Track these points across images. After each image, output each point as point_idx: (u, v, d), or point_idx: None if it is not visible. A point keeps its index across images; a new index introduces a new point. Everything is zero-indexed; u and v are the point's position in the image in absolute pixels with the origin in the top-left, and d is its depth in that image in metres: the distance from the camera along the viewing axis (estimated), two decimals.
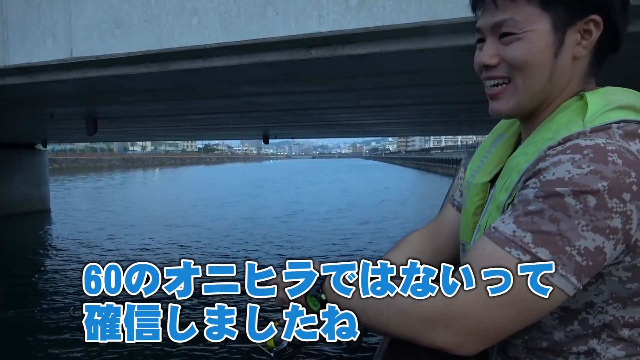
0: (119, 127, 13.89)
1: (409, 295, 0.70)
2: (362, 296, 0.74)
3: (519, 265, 0.64)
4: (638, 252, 0.67)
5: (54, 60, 4.33)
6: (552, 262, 0.63)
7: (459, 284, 0.67)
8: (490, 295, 0.65)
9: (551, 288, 0.64)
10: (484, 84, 0.83)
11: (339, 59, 3.84)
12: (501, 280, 0.65)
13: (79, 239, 12.79)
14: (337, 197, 23.42)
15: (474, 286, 0.66)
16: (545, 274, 0.63)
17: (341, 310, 0.76)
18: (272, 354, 0.85)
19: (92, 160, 72.35)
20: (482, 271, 0.66)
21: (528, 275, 0.64)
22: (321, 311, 0.76)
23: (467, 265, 0.69)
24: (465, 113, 11.53)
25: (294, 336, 0.80)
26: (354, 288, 0.75)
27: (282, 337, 0.82)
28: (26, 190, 17.47)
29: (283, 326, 0.82)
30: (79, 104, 7.87)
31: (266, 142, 18.33)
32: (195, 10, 3.81)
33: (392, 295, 0.71)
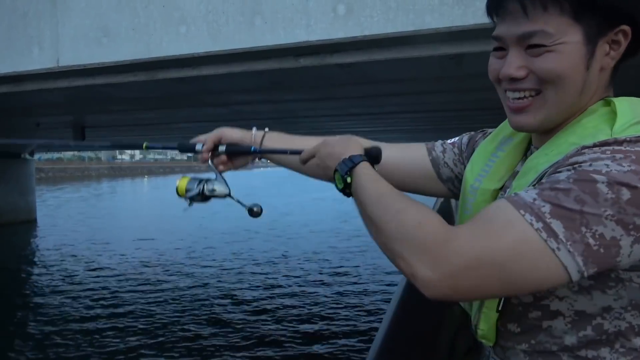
0: (107, 136, 13.79)
1: (421, 214, 0.70)
2: (379, 193, 0.78)
3: (528, 230, 0.62)
4: None
5: (40, 69, 4.29)
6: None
7: (466, 229, 0.66)
8: (489, 248, 0.63)
9: (553, 261, 0.61)
10: (503, 96, 0.79)
11: (328, 67, 3.86)
12: (504, 238, 0.63)
13: (64, 250, 12.63)
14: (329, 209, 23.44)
15: (477, 235, 0.64)
16: (552, 245, 0.61)
17: (357, 196, 0.83)
18: (185, 199, 1.05)
19: (80, 169, 71.61)
20: (489, 226, 0.64)
21: (535, 241, 0.61)
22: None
23: (478, 215, 0.68)
24: (453, 121, 11.63)
25: (205, 189, 1.03)
26: (378, 181, 0.82)
27: (195, 188, 1.03)
28: (12, 200, 17.22)
29: (199, 181, 1.04)
30: (66, 112, 7.80)
31: None
32: (184, 19, 3.81)
33: (407, 204, 0.73)
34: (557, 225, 0.61)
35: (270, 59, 3.85)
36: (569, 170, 0.65)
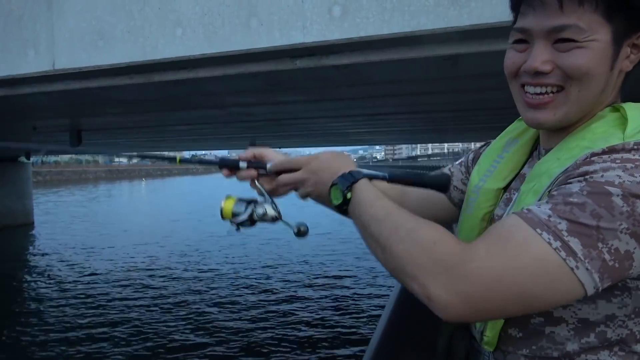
0: (104, 139, 13.75)
1: (437, 232, 0.67)
2: (387, 210, 0.74)
3: (547, 249, 0.61)
4: None
5: (35, 72, 4.28)
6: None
7: (481, 247, 0.64)
8: (509, 269, 0.62)
9: (572, 280, 0.61)
10: (518, 91, 0.78)
11: (324, 69, 3.86)
12: (523, 257, 0.62)
13: (61, 254, 12.58)
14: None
15: (495, 255, 0.63)
16: (571, 264, 0.60)
17: (357, 214, 0.78)
18: (231, 223, 0.95)
19: (77, 172, 71.40)
20: (507, 244, 0.63)
21: (553, 260, 0.61)
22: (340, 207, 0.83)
23: (492, 234, 0.66)
24: (450, 121, 11.64)
25: (254, 213, 0.93)
26: (384, 198, 0.78)
27: (243, 211, 0.94)
28: (9, 204, 17.17)
29: (247, 202, 0.94)
30: (62, 116, 7.78)
31: None
32: (179, 22, 3.81)
33: (420, 223, 0.70)
34: (575, 244, 0.61)
35: (266, 60, 3.85)
36: (580, 181, 0.64)
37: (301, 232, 0.96)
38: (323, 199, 0.89)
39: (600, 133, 0.72)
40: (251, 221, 0.94)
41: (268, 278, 9.44)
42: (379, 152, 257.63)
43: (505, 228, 0.66)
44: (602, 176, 0.63)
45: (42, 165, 63.86)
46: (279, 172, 0.96)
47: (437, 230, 0.69)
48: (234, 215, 0.94)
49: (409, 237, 0.68)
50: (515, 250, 0.62)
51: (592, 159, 0.67)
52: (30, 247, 14.25)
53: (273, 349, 5.91)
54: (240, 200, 0.95)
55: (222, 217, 0.94)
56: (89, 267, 10.70)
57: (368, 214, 0.76)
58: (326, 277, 9.45)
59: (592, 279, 0.61)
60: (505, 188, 0.88)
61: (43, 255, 12.71)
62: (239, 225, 0.94)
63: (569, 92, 0.73)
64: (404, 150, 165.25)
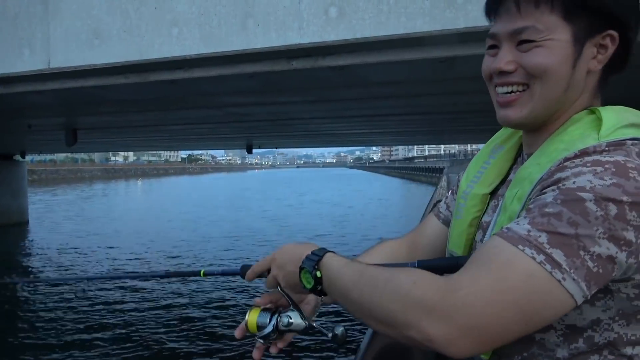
0: (100, 138, 13.72)
1: (412, 274, 0.68)
2: (359, 272, 0.73)
3: (532, 264, 0.61)
4: None
5: (31, 71, 4.26)
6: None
7: (466, 275, 0.64)
8: (499, 290, 0.61)
9: (562, 292, 0.61)
10: (493, 92, 0.81)
11: (320, 70, 3.87)
12: (511, 277, 0.62)
13: (56, 253, 12.54)
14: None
15: (481, 279, 0.63)
16: (558, 276, 0.61)
17: (333, 287, 0.77)
18: (257, 337, 0.86)
19: (73, 171, 71.14)
20: (491, 266, 0.63)
21: (541, 275, 0.61)
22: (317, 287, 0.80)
23: (475, 260, 0.66)
24: (446, 123, 11.68)
25: (279, 323, 0.84)
26: (352, 263, 0.78)
27: (267, 323, 0.85)
28: (4, 202, 17.09)
29: (272, 312, 0.86)
30: (57, 114, 7.76)
31: (250, 152, 18.29)
32: (176, 21, 3.81)
33: (393, 272, 0.70)
34: (558, 255, 0.61)
35: (262, 61, 3.85)
36: (554, 190, 0.65)
37: (338, 339, 0.83)
38: (298, 289, 0.85)
39: (577, 135, 0.73)
40: (279, 332, 0.85)
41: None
42: (375, 152, 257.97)
43: (487, 251, 0.66)
44: (573, 182, 0.64)
45: (38, 163, 63.62)
46: (262, 276, 0.93)
47: (413, 272, 0.69)
48: (259, 327, 0.85)
49: (387, 288, 0.68)
50: (501, 270, 0.62)
51: (565, 164, 0.68)
52: (25, 246, 14.19)
53: (265, 352, 5.90)
54: (264, 310, 0.88)
55: (248, 330, 0.87)
56: (82, 267, 10.67)
57: (343, 283, 0.75)
58: None
59: (580, 289, 0.62)
60: (493, 194, 0.89)
61: (37, 254, 12.66)
62: (266, 339, 0.85)
63: (533, 89, 0.76)
64: (401, 152, 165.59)
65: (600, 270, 0.62)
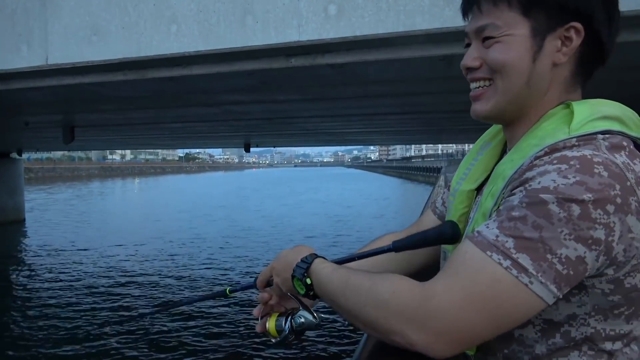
0: (97, 136, 13.68)
1: (391, 283, 0.71)
2: (345, 279, 0.77)
3: (499, 270, 0.64)
4: (620, 266, 0.66)
5: (28, 67, 4.24)
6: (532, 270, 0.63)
7: (440, 282, 0.68)
8: (468, 297, 0.65)
9: (529, 295, 0.63)
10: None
11: (319, 68, 3.86)
12: (479, 283, 0.65)
13: (51, 251, 12.51)
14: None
15: (453, 286, 0.66)
16: (524, 280, 0.63)
17: (323, 293, 0.82)
18: (273, 341, 0.94)
19: (70, 169, 70.93)
20: (462, 273, 0.66)
21: (507, 280, 0.63)
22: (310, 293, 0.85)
23: (448, 267, 0.69)
24: (444, 122, 11.68)
25: (293, 325, 0.91)
26: (338, 269, 0.82)
27: (283, 326, 0.92)
28: (0, 200, 17.04)
29: (286, 316, 0.93)
30: (55, 111, 7.73)
31: (248, 150, 18.27)
32: (174, 18, 3.80)
33: (375, 280, 0.73)
34: (524, 259, 0.63)
35: (261, 58, 3.84)
36: (521, 191, 0.67)
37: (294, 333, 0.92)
38: (296, 293, 0.90)
39: (549, 130, 0.74)
40: (296, 333, 0.92)
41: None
42: (373, 152, 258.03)
43: (458, 257, 0.69)
44: (539, 183, 0.65)
45: (35, 161, 63.38)
46: (269, 284, 0.98)
47: (392, 280, 0.72)
48: (279, 332, 0.93)
49: (370, 297, 0.72)
50: (471, 277, 0.66)
51: (534, 162, 0.69)
52: (21, 244, 14.15)
53: (263, 351, 5.91)
54: (280, 315, 0.95)
55: (271, 336, 0.94)
56: (79, 264, 10.65)
57: (331, 290, 0.80)
58: None
59: (549, 291, 0.63)
60: (479, 190, 0.90)
61: (33, 252, 12.62)
62: (286, 341, 0.92)
63: (496, 84, 0.78)
64: (398, 151, 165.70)
65: (571, 272, 0.63)
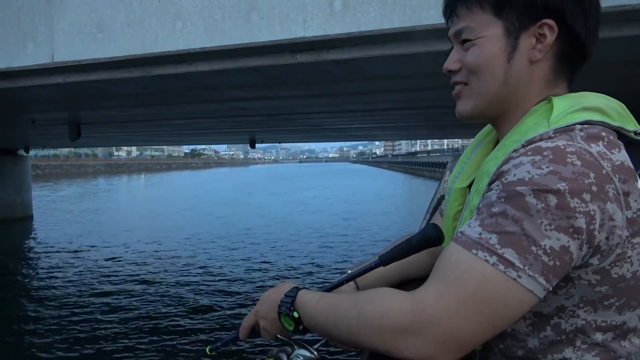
0: (103, 133, 13.73)
1: (378, 304, 0.70)
2: (333, 309, 0.76)
3: (487, 267, 0.63)
4: (605, 255, 0.67)
5: (34, 65, 4.26)
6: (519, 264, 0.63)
7: (429, 291, 0.67)
8: (461, 302, 0.64)
9: (520, 290, 0.63)
10: None
11: (324, 63, 3.85)
12: (469, 285, 0.64)
13: (60, 247, 12.60)
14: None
15: (443, 293, 0.65)
16: (512, 275, 0.62)
17: (313, 325, 0.80)
18: None
19: (76, 166, 71.34)
20: (451, 277, 0.65)
21: (496, 277, 0.63)
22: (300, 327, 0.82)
23: (436, 272, 0.68)
24: (449, 117, 11.62)
25: None
26: (324, 298, 0.81)
27: None
28: (8, 197, 17.17)
29: (285, 355, 0.88)
30: (61, 109, 7.76)
31: (253, 146, 18.29)
32: (179, 15, 3.79)
33: (361, 305, 0.72)
34: (510, 254, 0.63)
35: (266, 55, 3.84)
36: (497, 185, 0.67)
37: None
38: (286, 333, 0.87)
39: (530, 125, 0.74)
40: None
41: (257, 281, 9.46)
42: (378, 147, 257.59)
43: (445, 260, 0.68)
44: (514, 175, 0.66)
45: (42, 158, 63.76)
46: (255, 330, 0.94)
47: (379, 301, 0.71)
48: None
49: (360, 325, 0.71)
50: (460, 280, 0.65)
51: (511, 155, 0.70)
52: (29, 241, 14.26)
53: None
54: (278, 352, 0.90)
55: None
56: (86, 261, 10.72)
57: (321, 321, 0.78)
58: (314, 283, 9.46)
59: (538, 284, 0.63)
60: (471, 187, 0.90)
61: (41, 248, 12.72)
62: None
63: (471, 85, 0.80)
64: (404, 146, 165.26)
65: (558, 263, 0.63)
